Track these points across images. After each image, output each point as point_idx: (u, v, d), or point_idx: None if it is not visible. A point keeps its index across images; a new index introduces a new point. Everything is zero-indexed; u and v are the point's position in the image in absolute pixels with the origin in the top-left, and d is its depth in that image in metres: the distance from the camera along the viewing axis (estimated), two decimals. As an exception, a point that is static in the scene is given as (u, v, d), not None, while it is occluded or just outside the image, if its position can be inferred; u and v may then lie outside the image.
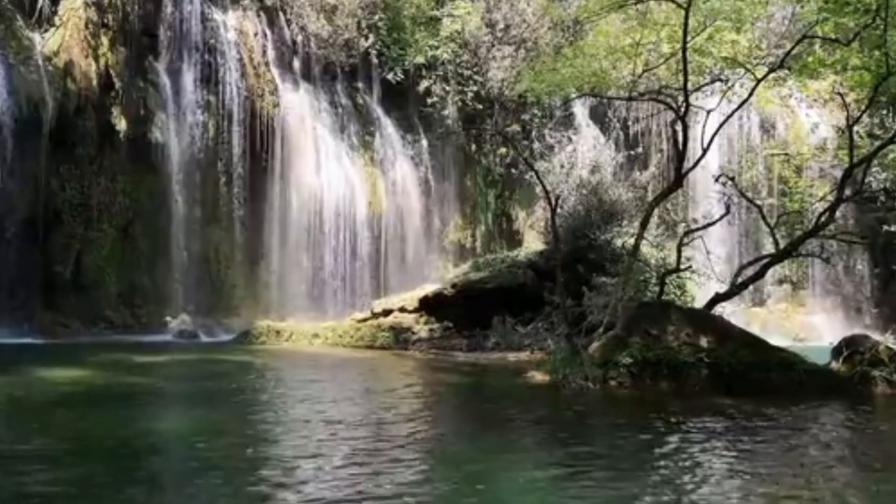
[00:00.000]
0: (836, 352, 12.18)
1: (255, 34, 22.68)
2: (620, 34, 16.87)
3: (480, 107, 25.21)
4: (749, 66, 15.30)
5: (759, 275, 14.62)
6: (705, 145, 14.45)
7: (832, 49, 15.41)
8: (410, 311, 19.16)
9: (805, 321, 25.22)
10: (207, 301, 20.72)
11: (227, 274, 21.56)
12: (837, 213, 14.67)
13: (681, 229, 17.00)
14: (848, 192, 14.16)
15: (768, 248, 17.77)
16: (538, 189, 20.10)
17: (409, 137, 25.10)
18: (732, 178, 15.81)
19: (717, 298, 13.72)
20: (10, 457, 6.59)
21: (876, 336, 14.39)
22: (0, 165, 17.71)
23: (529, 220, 25.94)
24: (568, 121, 26.16)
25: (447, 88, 24.86)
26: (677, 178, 14.92)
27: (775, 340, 14.18)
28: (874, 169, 17.13)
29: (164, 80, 21.00)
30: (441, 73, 24.83)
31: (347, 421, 8.89)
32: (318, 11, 23.69)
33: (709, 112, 14.80)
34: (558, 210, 16.13)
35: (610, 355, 11.69)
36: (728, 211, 15.72)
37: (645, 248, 16.22)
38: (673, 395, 10.91)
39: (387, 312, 19.40)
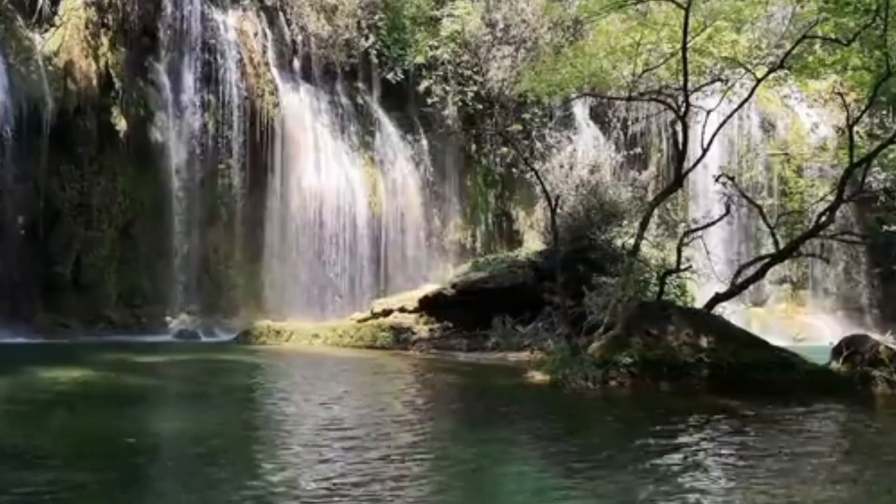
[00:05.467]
0: (836, 352, 12.19)
1: (255, 34, 22.65)
2: (620, 34, 16.88)
3: (480, 107, 25.17)
4: (749, 66, 15.32)
5: (759, 275, 14.64)
6: (705, 145, 14.46)
7: (832, 49, 15.40)
8: (410, 311, 19.16)
9: (805, 321, 25.22)
10: (207, 301, 20.69)
11: (227, 274, 21.53)
12: (837, 213, 14.68)
13: (681, 229, 17.01)
14: (848, 192, 14.16)
15: (768, 248, 17.77)
16: (538, 189, 20.10)
17: (409, 137, 25.07)
18: (732, 178, 15.84)
19: (717, 298, 13.72)
20: (9, 457, 6.59)
21: (876, 336, 14.42)
22: (0, 165, 17.71)
23: (529, 220, 25.91)
24: (568, 121, 26.16)
25: (447, 88, 24.84)
26: (677, 178, 14.96)
27: (775, 340, 14.19)
28: (874, 169, 17.14)
29: (164, 80, 20.97)
30: (441, 73, 24.80)
31: (347, 420, 8.90)
32: (318, 11, 23.66)
33: (709, 112, 14.81)
34: (558, 210, 16.13)
35: (610, 355, 11.69)
36: (728, 211, 15.74)
37: (645, 248, 16.21)
38: (673, 395, 10.92)
39: (387, 312, 19.41)
